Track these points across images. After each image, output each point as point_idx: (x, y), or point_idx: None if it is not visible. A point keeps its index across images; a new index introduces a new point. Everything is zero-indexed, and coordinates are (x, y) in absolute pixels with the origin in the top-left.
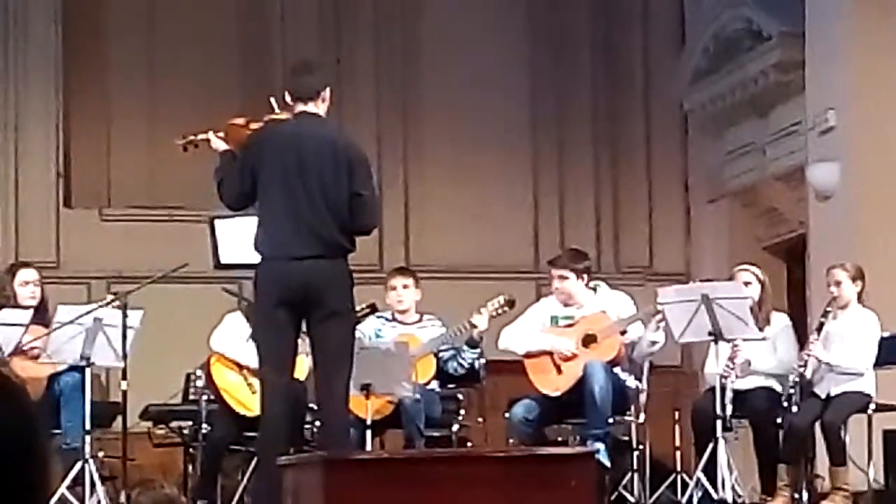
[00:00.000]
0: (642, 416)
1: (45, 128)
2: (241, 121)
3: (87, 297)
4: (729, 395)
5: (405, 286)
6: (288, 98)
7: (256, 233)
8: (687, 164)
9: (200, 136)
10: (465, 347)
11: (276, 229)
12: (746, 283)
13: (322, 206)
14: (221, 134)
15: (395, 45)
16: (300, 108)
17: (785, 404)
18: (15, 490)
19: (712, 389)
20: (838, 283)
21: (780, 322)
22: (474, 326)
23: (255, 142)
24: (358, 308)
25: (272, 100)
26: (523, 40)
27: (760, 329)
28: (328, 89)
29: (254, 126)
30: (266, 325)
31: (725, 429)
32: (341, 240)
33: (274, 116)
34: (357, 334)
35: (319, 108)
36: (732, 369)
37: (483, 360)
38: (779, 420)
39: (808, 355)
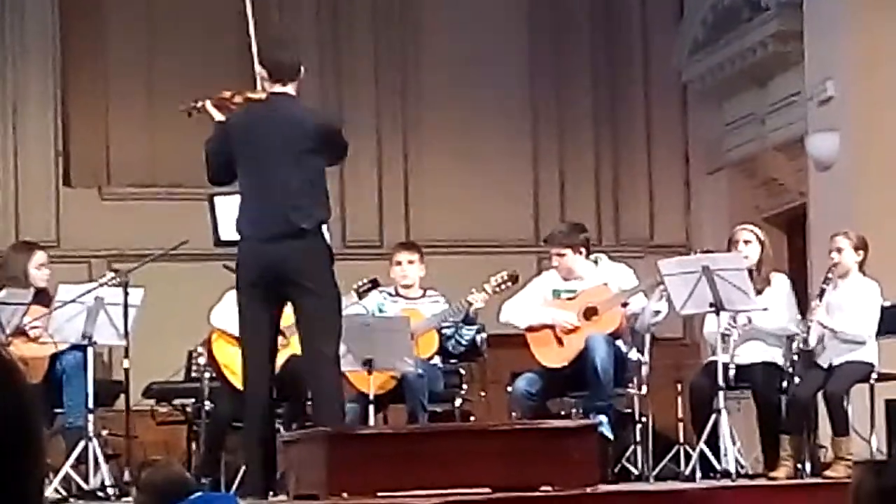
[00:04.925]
0: (644, 389)
1: (44, 107)
2: (227, 94)
3: (87, 276)
4: (731, 367)
5: (410, 262)
6: (264, 73)
7: (238, 213)
8: (686, 135)
9: (200, 103)
10: (461, 325)
11: (250, 210)
12: (746, 242)
13: (294, 187)
14: (217, 103)
15: (395, 20)
16: (277, 88)
17: (789, 371)
18: (8, 472)
19: (709, 365)
20: (839, 251)
21: (780, 282)
22: (470, 304)
23: (230, 124)
24: (360, 283)
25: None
26: (522, 14)
27: (761, 290)
28: (303, 70)
29: (237, 100)
30: (245, 304)
31: (729, 388)
32: (313, 219)
33: (251, 95)
34: (359, 309)
35: (294, 88)
36: (735, 327)
37: (484, 335)
38: (781, 391)
39: (811, 321)
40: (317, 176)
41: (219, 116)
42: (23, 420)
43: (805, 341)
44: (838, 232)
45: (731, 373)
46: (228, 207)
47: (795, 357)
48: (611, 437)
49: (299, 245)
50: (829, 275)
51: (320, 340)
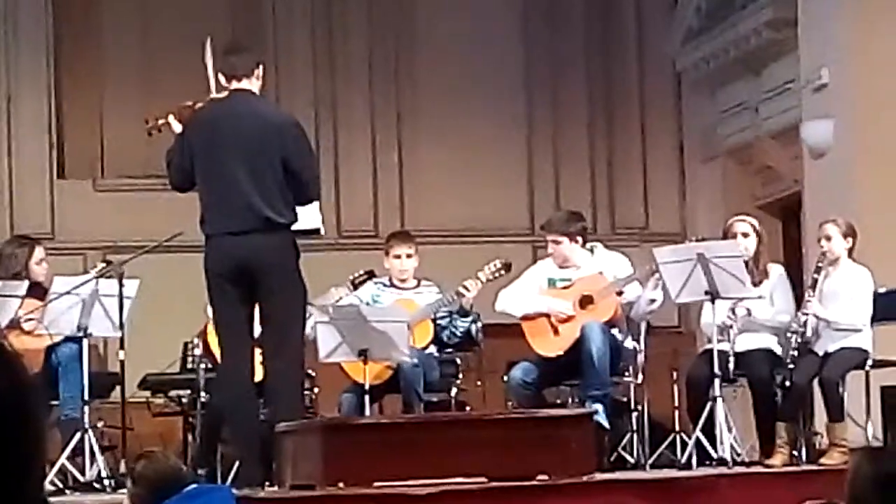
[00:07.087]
0: (640, 377)
1: (38, 98)
2: (189, 102)
3: (82, 268)
4: (730, 357)
5: (409, 255)
6: (222, 79)
7: (202, 212)
8: (681, 123)
9: (161, 121)
10: (456, 316)
11: (213, 206)
12: (744, 235)
13: (256, 182)
14: (179, 114)
15: (388, 9)
16: (234, 85)
17: (784, 359)
18: (10, 459)
19: (706, 353)
20: (829, 238)
21: (776, 273)
22: (462, 296)
23: (192, 122)
24: (356, 274)
25: (207, 43)
26: (517, 2)
27: (759, 282)
28: (261, 67)
29: (199, 106)
30: (217, 298)
31: (727, 380)
32: (277, 213)
33: (213, 96)
34: (354, 300)
35: (253, 84)
36: (734, 320)
37: (479, 325)
38: (777, 379)
39: (806, 313)
40: (282, 173)
41: (179, 129)
42: (23, 409)
43: (802, 335)
44: (826, 219)
45: (731, 365)
46: None
47: (795, 353)
48: (607, 425)
49: (269, 240)
50: (820, 264)
51: (281, 339)
